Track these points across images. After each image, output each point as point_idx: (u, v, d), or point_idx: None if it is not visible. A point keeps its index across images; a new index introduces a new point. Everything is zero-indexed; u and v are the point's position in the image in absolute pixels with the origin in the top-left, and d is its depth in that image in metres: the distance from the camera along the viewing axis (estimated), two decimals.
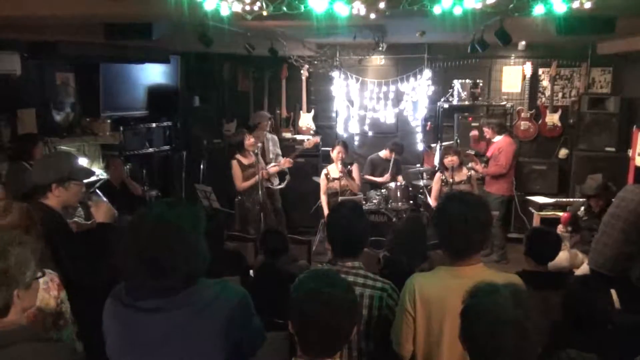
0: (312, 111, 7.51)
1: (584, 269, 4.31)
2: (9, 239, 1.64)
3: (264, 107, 7.48)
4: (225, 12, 3.10)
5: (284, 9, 3.03)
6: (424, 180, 6.66)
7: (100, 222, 2.77)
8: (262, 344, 1.83)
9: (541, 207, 6.28)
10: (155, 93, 6.73)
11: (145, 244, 1.58)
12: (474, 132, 6.49)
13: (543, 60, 6.99)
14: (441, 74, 7.19)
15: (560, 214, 5.75)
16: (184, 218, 1.63)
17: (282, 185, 6.40)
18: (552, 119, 6.95)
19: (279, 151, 6.70)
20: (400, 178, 6.56)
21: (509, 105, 7.05)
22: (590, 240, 4.47)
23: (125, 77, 6.35)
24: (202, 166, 7.16)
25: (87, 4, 3.44)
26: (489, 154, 6.28)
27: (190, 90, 7.41)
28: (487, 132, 6.30)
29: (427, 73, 7.05)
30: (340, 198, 5.73)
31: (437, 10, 3.11)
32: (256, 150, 5.71)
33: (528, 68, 6.89)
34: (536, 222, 6.22)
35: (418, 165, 7.09)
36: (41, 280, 1.99)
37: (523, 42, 6.46)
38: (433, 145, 7.20)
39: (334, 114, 7.54)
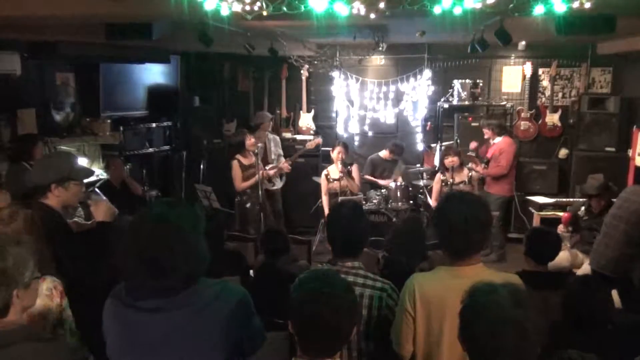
0: (312, 111, 7.51)
1: (585, 269, 4.30)
2: (6, 239, 1.64)
3: (264, 107, 7.48)
4: (225, 12, 3.10)
5: (284, 9, 3.03)
6: (424, 180, 6.66)
7: (100, 221, 2.77)
8: (263, 343, 1.83)
9: (541, 207, 6.28)
10: (155, 93, 6.73)
11: (145, 244, 1.58)
12: (473, 145, 6.43)
13: (543, 60, 6.99)
14: (441, 74, 7.19)
15: (560, 214, 5.75)
16: (184, 218, 1.63)
17: (280, 186, 6.39)
18: (552, 119, 6.95)
19: (281, 151, 6.70)
20: (400, 178, 6.55)
21: (509, 105, 7.05)
22: (590, 240, 4.47)
23: (125, 77, 6.35)
24: (202, 166, 7.16)
25: (87, 4, 3.44)
26: (489, 155, 6.27)
27: (190, 90, 7.41)
28: (487, 133, 6.29)
29: (427, 73, 7.05)
30: (340, 198, 5.73)
31: (437, 10, 3.10)
32: (256, 151, 5.71)
33: (528, 68, 6.88)
34: (536, 222, 6.22)
35: (418, 165, 7.09)
36: (44, 287, 2.00)
37: (523, 42, 6.45)
38: (433, 145, 7.20)
39: (334, 114, 7.54)
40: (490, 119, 6.48)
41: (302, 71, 7.23)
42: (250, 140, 5.82)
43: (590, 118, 6.63)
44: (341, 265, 2.29)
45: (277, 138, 6.83)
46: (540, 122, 7.00)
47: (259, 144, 5.81)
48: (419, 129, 7.36)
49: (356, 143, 7.54)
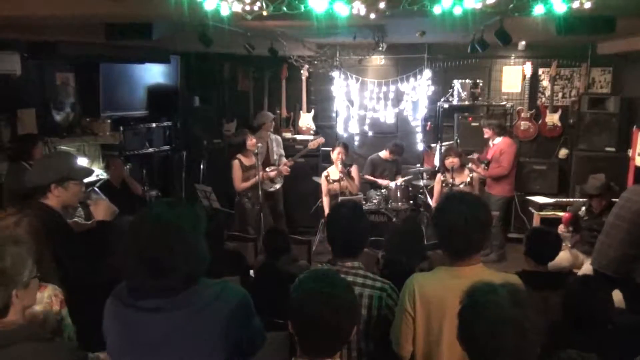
0: (312, 111, 7.51)
1: (586, 269, 4.30)
2: (4, 238, 1.64)
3: (264, 107, 7.48)
4: (225, 12, 3.10)
5: (284, 9, 3.03)
6: (424, 180, 6.66)
7: (100, 220, 2.77)
8: (263, 344, 1.83)
9: (541, 207, 6.28)
10: (155, 93, 6.73)
11: (145, 244, 1.58)
12: (474, 159, 6.38)
13: (543, 60, 6.99)
14: (441, 74, 7.19)
15: (560, 214, 5.76)
16: (184, 218, 1.63)
17: (278, 186, 6.39)
18: (552, 119, 6.95)
19: (283, 152, 6.68)
20: (400, 178, 6.55)
21: (509, 105, 7.05)
22: (590, 240, 4.47)
23: (125, 77, 6.34)
24: (202, 166, 7.16)
25: (87, 4, 3.44)
26: (489, 156, 6.27)
27: (190, 90, 7.41)
28: (488, 133, 6.29)
29: (427, 73, 7.05)
30: (340, 199, 5.73)
31: (437, 10, 3.10)
32: (256, 151, 5.71)
33: (528, 68, 6.88)
34: (536, 222, 6.22)
35: (418, 165, 7.09)
36: (45, 294, 2.01)
37: (523, 42, 6.46)
38: (433, 145, 7.20)
39: (334, 114, 7.54)
40: (491, 119, 6.48)
41: (302, 71, 7.23)
42: (251, 140, 5.82)
43: (590, 118, 6.63)
44: (341, 265, 2.29)
45: (279, 138, 6.82)
46: (540, 122, 7.00)
47: (259, 144, 5.81)
48: (419, 129, 7.36)
49: (356, 143, 7.54)
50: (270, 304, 2.35)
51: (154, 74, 6.74)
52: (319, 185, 6.43)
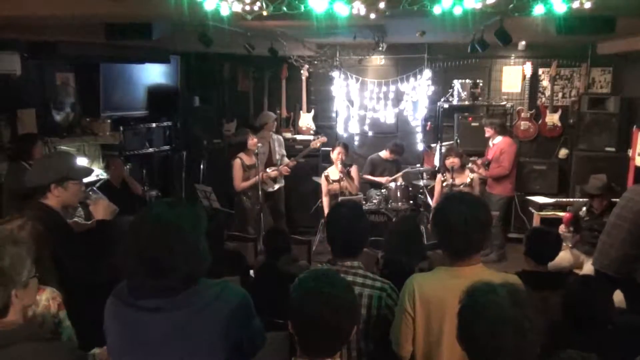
0: (312, 111, 7.51)
1: (587, 269, 4.30)
2: (3, 239, 1.64)
3: (264, 107, 7.48)
4: (225, 12, 3.10)
5: (284, 9, 3.03)
6: (424, 180, 6.66)
7: (99, 219, 2.77)
8: (263, 345, 1.83)
9: (541, 207, 6.28)
10: (155, 93, 6.73)
11: (145, 244, 1.58)
12: (476, 161, 6.35)
13: (543, 60, 6.99)
14: (441, 74, 7.19)
15: (560, 214, 5.76)
16: (184, 218, 1.63)
17: (278, 187, 6.39)
18: (552, 119, 6.95)
19: (284, 152, 6.68)
20: (400, 178, 6.56)
21: (509, 105, 7.05)
22: (591, 240, 4.47)
23: (125, 77, 6.35)
24: (202, 166, 7.16)
25: (87, 4, 3.44)
26: (489, 156, 6.27)
27: (190, 90, 7.41)
28: (489, 131, 6.29)
29: (427, 73, 7.05)
30: (340, 199, 5.73)
31: (437, 10, 3.10)
32: (256, 151, 5.71)
33: (528, 68, 6.88)
34: (536, 222, 6.21)
35: (418, 165, 7.09)
36: (44, 297, 2.01)
37: (523, 42, 6.45)
38: (433, 145, 7.20)
39: (334, 114, 7.54)
40: (493, 118, 6.48)
41: (302, 71, 7.23)
42: (252, 140, 5.82)
43: (590, 118, 6.63)
44: (340, 265, 2.29)
45: (281, 138, 6.80)
46: (540, 122, 7.00)
47: (259, 144, 5.80)
48: (419, 129, 7.36)
49: (356, 143, 7.54)
50: (270, 304, 2.35)
51: (154, 74, 6.74)
52: (319, 185, 6.43)
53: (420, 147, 7.37)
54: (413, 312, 2.07)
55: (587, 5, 2.98)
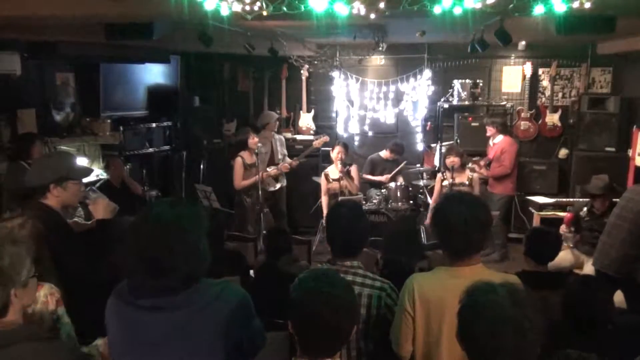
0: (312, 111, 7.51)
1: (588, 269, 4.30)
2: (2, 238, 1.63)
3: (264, 107, 7.48)
4: (225, 12, 3.10)
5: (284, 9, 3.03)
6: (424, 180, 6.66)
7: (99, 219, 2.77)
8: (263, 344, 1.82)
9: (541, 207, 6.28)
10: (155, 93, 6.73)
11: (145, 244, 1.58)
12: (477, 162, 6.34)
13: (543, 60, 6.99)
14: (441, 74, 7.19)
15: (561, 214, 5.75)
16: (184, 218, 1.63)
17: (279, 186, 6.39)
18: (552, 119, 6.95)
19: (286, 152, 6.67)
20: (400, 178, 6.55)
21: (509, 105, 7.05)
22: (591, 241, 4.47)
23: (125, 77, 6.35)
24: (202, 166, 7.16)
25: (87, 4, 3.44)
26: (490, 156, 6.27)
27: (190, 90, 7.42)
28: (490, 130, 6.30)
29: (427, 73, 7.05)
30: (340, 198, 5.73)
31: (437, 10, 3.10)
32: (257, 150, 5.71)
33: (528, 68, 6.88)
34: (536, 222, 6.21)
35: (418, 165, 7.09)
36: (42, 293, 2.00)
37: (523, 42, 6.46)
38: (433, 145, 7.20)
39: (334, 114, 7.53)
40: (494, 117, 6.48)
41: (302, 71, 7.23)
42: (253, 139, 5.82)
43: (590, 118, 6.63)
44: (340, 265, 2.28)
45: (283, 138, 6.79)
46: (540, 122, 7.00)
47: (259, 144, 5.80)
48: (419, 129, 7.35)
49: (356, 143, 7.54)
50: (270, 304, 2.34)
51: (154, 74, 6.74)
52: (319, 185, 6.43)
53: (420, 147, 7.37)
54: (413, 312, 2.07)
55: (587, 5, 2.98)
